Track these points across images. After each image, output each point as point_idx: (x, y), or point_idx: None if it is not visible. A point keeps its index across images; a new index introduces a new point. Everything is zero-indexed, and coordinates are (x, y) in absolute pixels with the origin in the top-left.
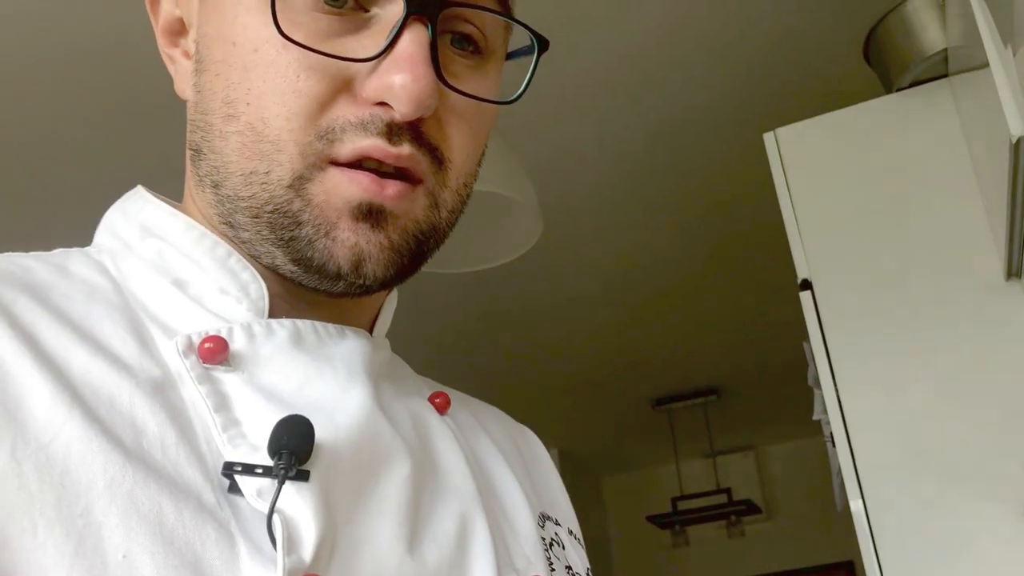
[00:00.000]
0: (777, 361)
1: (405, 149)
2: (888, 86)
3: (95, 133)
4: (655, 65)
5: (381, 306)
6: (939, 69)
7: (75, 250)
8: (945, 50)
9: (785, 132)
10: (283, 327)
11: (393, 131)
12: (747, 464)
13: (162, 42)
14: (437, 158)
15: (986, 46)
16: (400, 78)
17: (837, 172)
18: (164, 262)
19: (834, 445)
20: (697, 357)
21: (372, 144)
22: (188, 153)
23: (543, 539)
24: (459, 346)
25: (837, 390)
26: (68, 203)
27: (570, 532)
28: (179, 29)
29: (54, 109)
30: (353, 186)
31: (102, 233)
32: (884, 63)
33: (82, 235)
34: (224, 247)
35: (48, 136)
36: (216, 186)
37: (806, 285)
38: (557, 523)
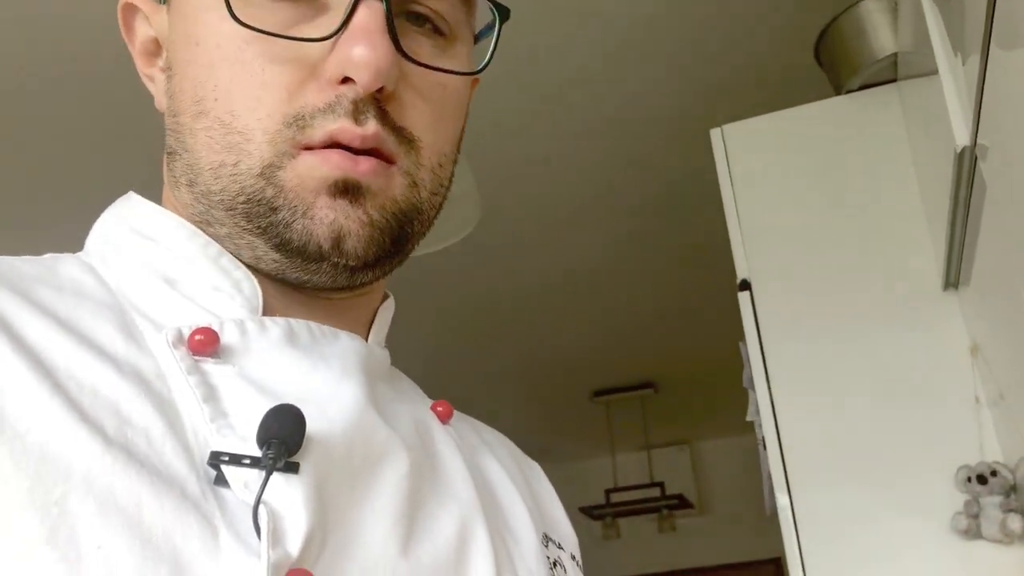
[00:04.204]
0: (715, 358)
1: (371, 127)
2: (837, 88)
3: (88, 139)
4: (602, 64)
5: (376, 314)
6: (888, 73)
7: (65, 254)
8: (895, 55)
9: (732, 129)
10: (276, 324)
11: (359, 109)
12: (681, 459)
13: (140, 64)
14: (406, 138)
15: (936, 53)
16: (358, 49)
17: (781, 172)
18: (155, 261)
19: (765, 449)
20: (636, 351)
21: (340, 127)
22: (165, 159)
23: (548, 557)
24: (398, 334)
25: (771, 393)
26: (60, 210)
27: (572, 557)
28: (154, 49)
29: (49, 115)
30: (326, 165)
31: (93, 238)
32: (834, 64)
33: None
34: (215, 246)
35: (41, 142)
36: (191, 184)
37: (745, 286)
38: (560, 546)
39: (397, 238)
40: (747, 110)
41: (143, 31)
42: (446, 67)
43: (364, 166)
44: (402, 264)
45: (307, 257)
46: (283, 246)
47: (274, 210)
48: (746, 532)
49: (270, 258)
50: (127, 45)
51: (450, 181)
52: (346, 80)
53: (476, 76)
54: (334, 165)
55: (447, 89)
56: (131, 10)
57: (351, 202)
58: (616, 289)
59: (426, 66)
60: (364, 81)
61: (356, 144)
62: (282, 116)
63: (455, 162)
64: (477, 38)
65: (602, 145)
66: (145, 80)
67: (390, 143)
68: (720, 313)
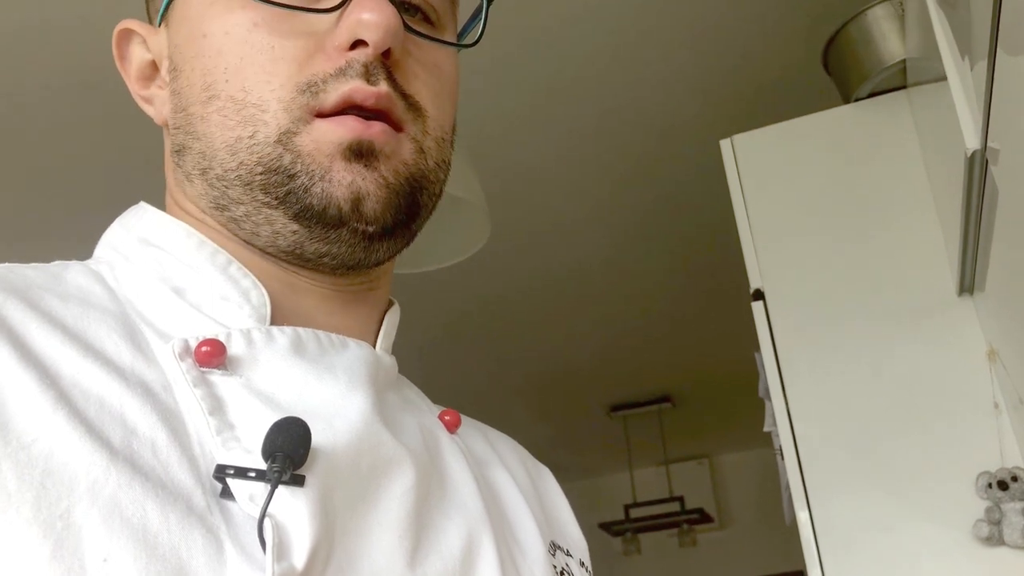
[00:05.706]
0: (731, 370)
1: (383, 87)
2: (846, 96)
3: (92, 147)
4: (611, 71)
5: (383, 320)
6: (897, 80)
7: (73, 262)
8: (904, 61)
9: (742, 139)
10: (284, 334)
11: (370, 71)
12: (700, 472)
13: (136, 87)
14: (412, 105)
15: (944, 58)
16: (367, 13)
17: (792, 182)
18: (163, 270)
19: (783, 458)
20: (653, 364)
21: (353, 86)
22: (171, 164)
23: (554, 567)
24: (413, 350)
25: (787, 402)
26: (66, 219)
27: (581, 563)
28: (150, 73)
29: (52, 123)
30: (340, 128)
31: (102, 247)
32: (843, 72)
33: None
34: (224, 255)
35: (45, 150)
36: (204, 172)
37: (758, 295)
38: (568, 554)
39: (410, 205)
40: (755, 117)
41: (139, 55)
42: (439, 52)
43: (376, 128)
44: (409, 245)
45: (327, 222)
46: (303, 213)
47: (292, 177)
48: (768, 545)
49: (289, 231)
50: (120, 71)
51: (449, 163)
52: (355, 46)
53: (471, 46)
54: (348, 128)
55: (443, 71)
56: (127, 36)
57: (366, 165)
58: (629, 302)
59: (426, 36)
60: (375, 39)
61: (370, 103)
62: (295, 84)
63: (452, 146)
64: (461, 34)
65: (610, 153)
66: (141, 102)
67: (399, 108)
68: (735, 324)
